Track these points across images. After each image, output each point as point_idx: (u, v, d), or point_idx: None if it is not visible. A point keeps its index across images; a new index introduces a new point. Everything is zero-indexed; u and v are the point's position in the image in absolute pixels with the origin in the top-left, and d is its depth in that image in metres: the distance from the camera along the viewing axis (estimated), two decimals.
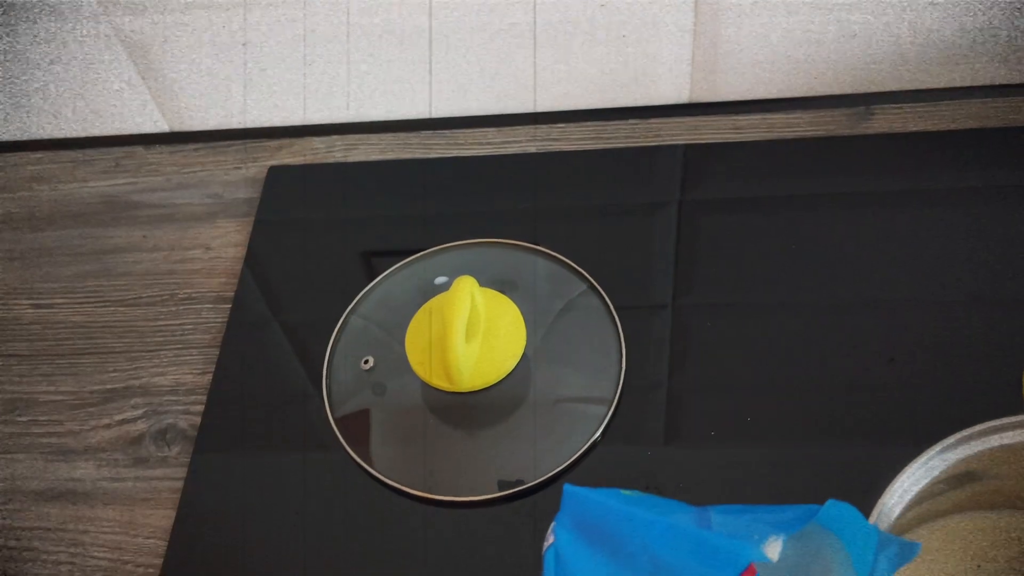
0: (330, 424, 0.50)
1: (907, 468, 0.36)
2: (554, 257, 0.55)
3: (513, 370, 0.50)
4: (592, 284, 0.54)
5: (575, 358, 0.52)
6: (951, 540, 0.41)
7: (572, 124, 0.62)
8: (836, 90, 0.61)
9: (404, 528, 0.46)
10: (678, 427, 0.49)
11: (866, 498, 0.36)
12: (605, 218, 0.58)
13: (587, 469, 0.47)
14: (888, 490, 0.36)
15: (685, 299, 0.53)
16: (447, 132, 0.63)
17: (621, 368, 0.50)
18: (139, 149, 0.67)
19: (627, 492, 0.32)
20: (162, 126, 0.67)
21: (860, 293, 0.52)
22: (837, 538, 0.30)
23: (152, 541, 0.47)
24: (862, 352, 0.49)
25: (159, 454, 0.51)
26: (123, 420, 0.52)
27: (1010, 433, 0.38)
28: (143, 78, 0.63)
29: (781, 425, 0.47)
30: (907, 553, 0.30)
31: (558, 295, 0.54)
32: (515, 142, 0.62)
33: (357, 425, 0.50)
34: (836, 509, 0.30)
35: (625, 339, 0.51)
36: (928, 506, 0.39)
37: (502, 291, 0.53)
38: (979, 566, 0.40)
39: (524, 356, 0.50)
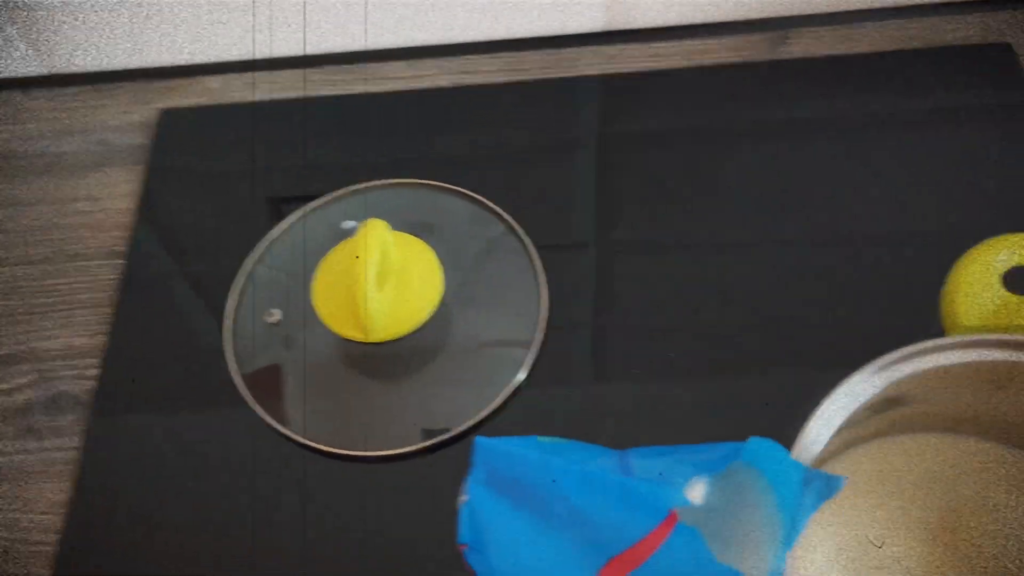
0: (237, 383, 0.47)
1: (829, 396, 0.35)
2: (470, 197, 0.53)
3: (431, 316, 0.47)
4: (510, 224, 0.51)
5: (496, 301, 0.50)
6: (877, 464, 0.41)
7: (484, 55, 0.59)
8: (753, 15, 0.59)
9: (322, 487, 0.44)
10: (603, 367, 0.47)
11: (793, 429, 0.35)
12: (523, 155, 0.55)
13: (512, 414, 0.46)
14: (811, 419, 0.35)
15: (607, 236, 0.51)
16: (353, 67, 0.59)
17: (544, 309, 0.48)
18: (15, 94, 0.61)
19: (545, 439, 0.31)
20: (39, 69, 0.61)
21: (782, 224, 0.51)
22: (762, 475, 0.29)
23: (47, 517, 0.44)
24: (784, 284, 0.48)
25: (50, 424, 0.47)
26: (9, 389, 0.48)
27: (929, 357, 0.37)
28: (11, 16, 0.57)
29: (706, 361, 0.46)
30: (831, 487, 0.29)
31: (476, 236, 0.52)
32: (426, 76, 0.59)
33: (266, 383, 0.47)
34: (758, 445, 0.29)
35: (547, 279, 0.49)
36: (853, 432, 0.39)
37: (416, 234, 0.50)
38: (905, 487, 0.40)
39: (442, 301, 0.48)
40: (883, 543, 0.39)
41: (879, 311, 0.46)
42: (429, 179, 0.54)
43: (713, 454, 0.29)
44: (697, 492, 0.28)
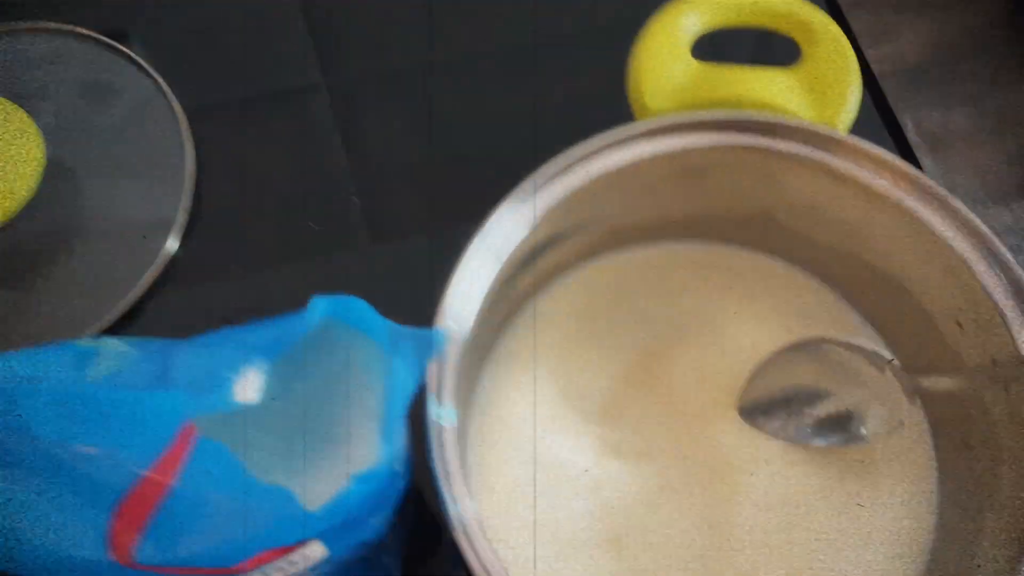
0: None
1: (485, 225, 0.28)
2: (96, 40, 0.41)
3: (32, 200, 0.37)
4: (155, 77, 0.41)
5: (134, 173, 0.40)
6: (583, 295, 0.35)
7: None
8: None
9: None
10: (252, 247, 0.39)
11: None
12: None
13: (156, 308, 0.37)
14: (467, 252, 0.28)
15: (263, 87, 0.42)
16: None
17: (192, 183, 0.39)
18: None
19: (86, 344, 0.22)
20: None
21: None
22: (338, 345, 0.22)
23: None
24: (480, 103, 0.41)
25: None
26: None
27: (612, 154, 0.31)
28: None
29: (383, 206, 0.39)
30: (430, 343, 0.23)
31: (106, 95, 0.41)
32: None
33: None
34: (329, 306, 0.22)
35: (198, 146, 0.40)
36: (548, 262, 0.33)
37: (12, 96, 0.39)
38: (616, 314, 0.35)
39: (56, 179, 0.38)
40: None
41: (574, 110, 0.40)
42: (34, 20, 0.41)
43: (275, 331, 0.22)
44: (250, 386, 0.21)
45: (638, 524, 0.31)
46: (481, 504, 0.31)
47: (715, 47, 0.33)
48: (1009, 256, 0.29)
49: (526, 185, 0.29)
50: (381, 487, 0.22)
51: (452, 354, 0.27)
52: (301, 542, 0.21)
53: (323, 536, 0.22)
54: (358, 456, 0.21)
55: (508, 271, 0.30)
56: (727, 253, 0.36)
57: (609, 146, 0.30)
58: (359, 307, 0.22)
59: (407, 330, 0.23)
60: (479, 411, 0.33)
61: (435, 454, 0.25)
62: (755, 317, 0.35)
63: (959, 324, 0.31)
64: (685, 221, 0.35)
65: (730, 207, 0.34)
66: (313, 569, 0.23)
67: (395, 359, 0.22)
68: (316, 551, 0.22)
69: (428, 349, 0.23)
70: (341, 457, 0.21)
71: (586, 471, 0.32)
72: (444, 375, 0.26)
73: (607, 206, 0.32)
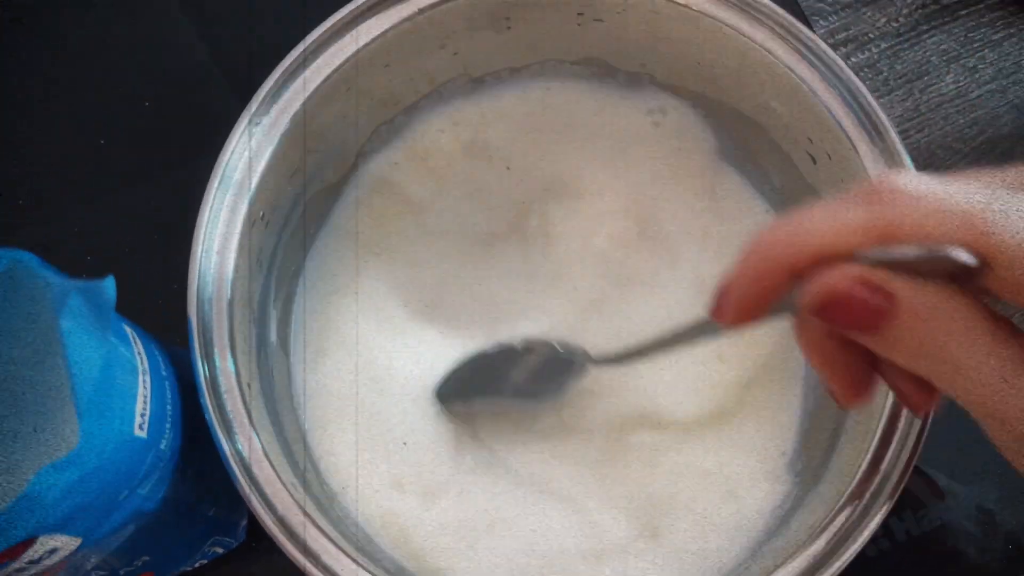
0: None
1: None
2: None
3: None
4: None
5: None
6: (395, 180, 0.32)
7: None
8: None
9: None
10: None
11: None
12: None
13: None
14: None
15: None
16: None
17: None
18: None
19: None
20: None
21: None
22: (17, 294, 0.19)
23: None
24: None
25: None
26: None
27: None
28: None
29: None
30: (97, 292, 0.19)
31: None
32: None
33: None
34: None
35: None
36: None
37: None
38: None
39: None
40: None
41: None
42: None
43: None
44: None
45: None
46: (315, 415, 0.30)
47: None
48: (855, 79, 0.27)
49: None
50: (114, 463, 0.19)
51: (218, 299, 0.25)
52: (22, 543, 0.19)
53: (51, 530, 0.19)
54: (52, 441, 0.18)
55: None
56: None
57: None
58: (25, 262, 0.18)
59: (71, 284, 0.19)
60: (302, 323, 0.31)
61: (205, 402, 0.24)
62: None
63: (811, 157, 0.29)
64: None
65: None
66: (77, 555, 0.21)
67: (64, 321, 0.18)
68: (57, 543, 0.20)
69: (102, 303, 0.20)
70: (30, 446, 0.18)
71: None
72: (209, 323, 0.25)
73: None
